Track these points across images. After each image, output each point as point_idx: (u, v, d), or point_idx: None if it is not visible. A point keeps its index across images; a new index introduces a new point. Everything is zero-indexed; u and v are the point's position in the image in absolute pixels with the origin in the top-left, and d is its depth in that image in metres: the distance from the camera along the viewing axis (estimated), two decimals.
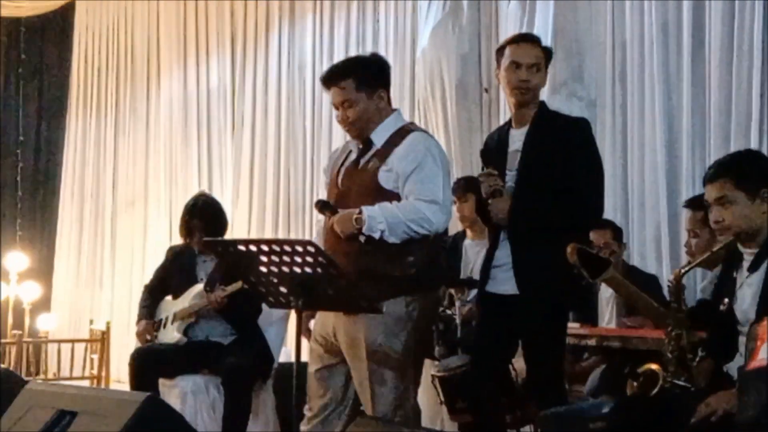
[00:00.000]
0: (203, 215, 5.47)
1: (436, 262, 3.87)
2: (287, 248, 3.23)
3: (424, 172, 3.69)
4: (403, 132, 3.82)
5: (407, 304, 3.71)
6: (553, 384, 3.92)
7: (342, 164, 3.92)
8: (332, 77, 3.84)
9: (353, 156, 3.89)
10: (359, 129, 3.83)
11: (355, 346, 3.73)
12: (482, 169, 3.98)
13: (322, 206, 3.79)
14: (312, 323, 3.97)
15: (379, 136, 3.82)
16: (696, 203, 4.21)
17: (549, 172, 3.84)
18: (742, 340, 3.14)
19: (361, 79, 3.80)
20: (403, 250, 3.68)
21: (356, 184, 3.80)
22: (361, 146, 3.87)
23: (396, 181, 3.72)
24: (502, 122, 6.21)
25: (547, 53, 4.02)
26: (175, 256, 5.62)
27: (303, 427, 3.89)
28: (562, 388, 4.05)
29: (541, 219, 3.82)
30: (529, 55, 3.92)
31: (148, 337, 5.39)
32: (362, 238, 3.64)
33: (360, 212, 3.62)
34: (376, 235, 3.62)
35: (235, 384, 5.10)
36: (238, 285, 4.95)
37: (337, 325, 3.79)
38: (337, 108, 3.86)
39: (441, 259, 3.99)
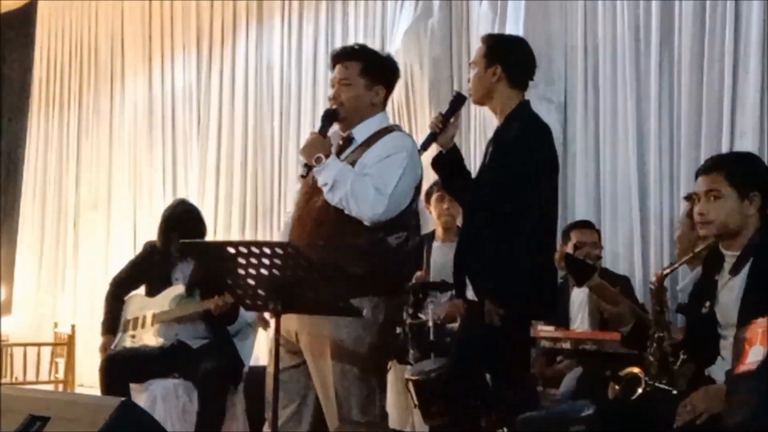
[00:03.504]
0: (179, 226, 5.36)
1: (404, 264, 3.83)
2: (267, 250, 3.17)
3: (387, 163, 3.67)
4: (386, 131, 3.81)
5: (374, 305, 3.65)
6: (514, 393, 3.86)
7: None
8: (343, 54, 3.87)
9: (333, 151, 3.85)
10: (345, 112, 3.81)
11: (319, 344, 3.67)
12: None
13: (325, 116, 3.83)
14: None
15: (360, 133, 3.80)
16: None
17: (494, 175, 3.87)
18: (723, 343, 3.15)
19: (367, 67, 3.80)
20: (367, 248, 3.64)
21: None
22: (341, 142, 3.85)
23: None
24: (472, 123, 6.24)
25: (489, 48, 3.98)
26: (151, 253, 5.50)
27: None
28: (527, 394, 3.97)
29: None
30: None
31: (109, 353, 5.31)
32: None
33: (327, 156, 3.66)
34: (320, 182, 3.65)
35: (210, 388, 5.06)
36: None
37: (300, 326, 3.72)
38: (333, 86, 3.86)
39: (410, 262, 3.96)
